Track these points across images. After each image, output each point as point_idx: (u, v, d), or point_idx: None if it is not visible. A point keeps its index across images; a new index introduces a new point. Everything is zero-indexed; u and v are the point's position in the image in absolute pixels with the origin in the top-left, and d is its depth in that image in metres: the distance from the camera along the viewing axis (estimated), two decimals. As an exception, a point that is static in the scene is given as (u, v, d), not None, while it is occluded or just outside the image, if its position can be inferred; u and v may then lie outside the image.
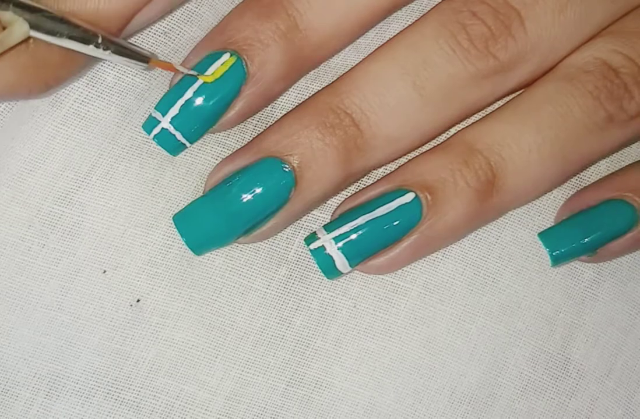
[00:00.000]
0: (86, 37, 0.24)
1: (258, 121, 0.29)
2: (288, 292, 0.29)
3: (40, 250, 0.28)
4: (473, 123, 0.28)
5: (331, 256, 0.27)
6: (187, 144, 0.27)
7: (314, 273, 0.29)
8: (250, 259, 0.29)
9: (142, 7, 0.25)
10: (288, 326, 0.29)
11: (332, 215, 0.29)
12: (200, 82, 0.26)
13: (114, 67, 0.28)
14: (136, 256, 0.28)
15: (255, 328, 0.29)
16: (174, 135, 0.27)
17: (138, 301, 0.28)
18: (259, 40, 0.26)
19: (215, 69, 0.26)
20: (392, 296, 0.29)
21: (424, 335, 0.29)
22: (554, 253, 0.28)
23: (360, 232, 0.27)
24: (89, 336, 0.28)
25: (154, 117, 0.27)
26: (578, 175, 0.30)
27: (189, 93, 0.26)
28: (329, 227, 0.27)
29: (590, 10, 0.27)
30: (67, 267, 0.28)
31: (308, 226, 0.29)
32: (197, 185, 0.29)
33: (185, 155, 0.29)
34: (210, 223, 0.26)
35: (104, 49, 0.24)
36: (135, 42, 0.28)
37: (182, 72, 0.26)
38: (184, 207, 0.27)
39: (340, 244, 0.27)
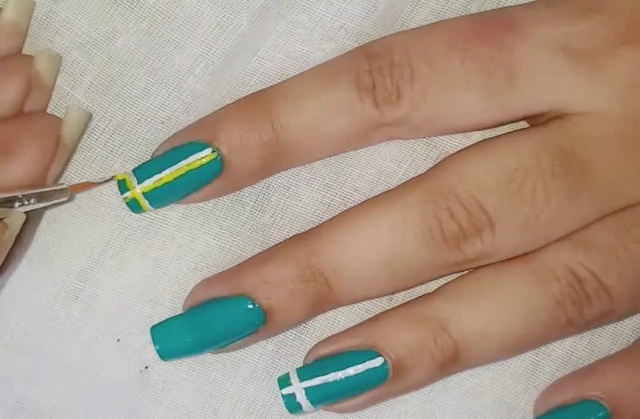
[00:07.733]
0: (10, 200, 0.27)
1: (255, 202, 0.31)
2: (275, 366, 0.32)
3: (65, 319, 0.32)
4: (449, 301, 0.30)
5: (300, 403, 0.30)
6: (152, 209, 0.30)
7: (298, 352, 0.32)
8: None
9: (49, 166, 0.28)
10: (276, 397, 0.31)
11: (305, 357, 0.31)
12: (180, 166, 0.29)
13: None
14: (144, 328, 0.32)
15: (247, 397, 0.32)
16: (141, 202, 0.30)
17: (146, 368, 0.32)
18: (242, 146, 0.29)
19: (194, 160, 0.29)
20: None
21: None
22: None
23: (329, 387, 0.29)
24: (106, 395, 0.32)
25: (130, 181, 0.30)
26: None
27: (165, 173, 0.29)
28: (301, 374, 0.30)
29: (559, 222, 0.29)
30: (88, 335, 0.32)
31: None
32: (196, 264, 0.32)
33: (185, 235, 0.32)
34: (182, 340, 0.30)
35: (27, 203, 0.27)
36: (134, 131, 0.31)
37: (99, 184, 0.30)
38: (162, 319, 0.30)
39: (309, 394, 0.30)
